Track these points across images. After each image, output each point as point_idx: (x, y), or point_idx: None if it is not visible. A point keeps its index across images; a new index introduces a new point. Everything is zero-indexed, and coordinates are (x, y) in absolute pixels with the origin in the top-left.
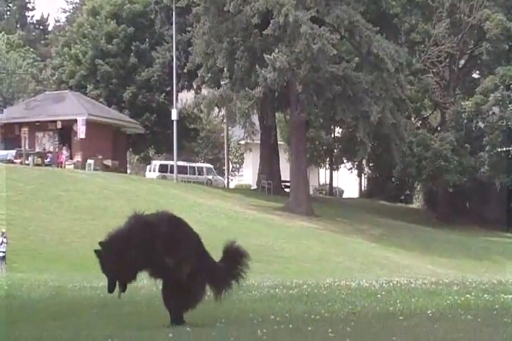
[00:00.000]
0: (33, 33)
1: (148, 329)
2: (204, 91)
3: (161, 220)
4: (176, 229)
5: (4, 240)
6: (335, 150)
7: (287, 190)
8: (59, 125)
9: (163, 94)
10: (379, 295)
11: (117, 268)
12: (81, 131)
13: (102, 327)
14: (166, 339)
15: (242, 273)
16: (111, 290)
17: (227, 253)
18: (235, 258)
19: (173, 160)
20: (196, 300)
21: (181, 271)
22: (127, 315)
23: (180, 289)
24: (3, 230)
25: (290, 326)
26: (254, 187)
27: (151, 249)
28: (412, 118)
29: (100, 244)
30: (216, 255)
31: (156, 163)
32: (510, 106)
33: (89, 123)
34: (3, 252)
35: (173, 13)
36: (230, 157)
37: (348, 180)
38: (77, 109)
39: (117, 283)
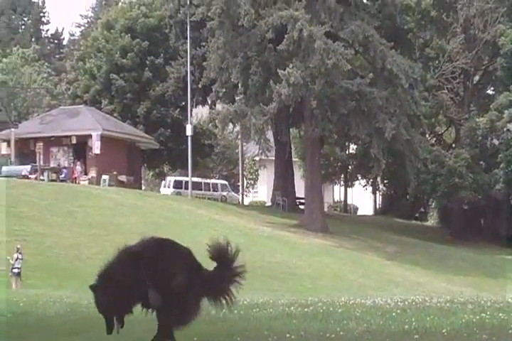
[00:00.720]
0: (48, 47)
1: None
2: (219, 106)
3: (145, 249)
4: (160, 254)
5: (19, 256)
6: (349, 167)
7: (302, 206)
8: (74, 140)
9: (178, 110)
10: (394, 314)
11: (113, 305)
12: (96, 147)
13: None
14: None
15: (239, 276)
16: (110, 330)
17: (217, 258)
18: (225, 262)
19: (187, 176)
20: (192, 315)
21: (177, 291)
22: (142, 332)
23: (174, 307)
24: (19, 246)
25: None
26: (269, 203)
27: (141, 281)
28: (427, 135)
29: (96, 280)
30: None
31: (171, 179)
32: None
33: (103, 139)
34: (18, 268)
35: (188, 27)
36: (245, 173)
37: (362, 197)
38: (92, 124)
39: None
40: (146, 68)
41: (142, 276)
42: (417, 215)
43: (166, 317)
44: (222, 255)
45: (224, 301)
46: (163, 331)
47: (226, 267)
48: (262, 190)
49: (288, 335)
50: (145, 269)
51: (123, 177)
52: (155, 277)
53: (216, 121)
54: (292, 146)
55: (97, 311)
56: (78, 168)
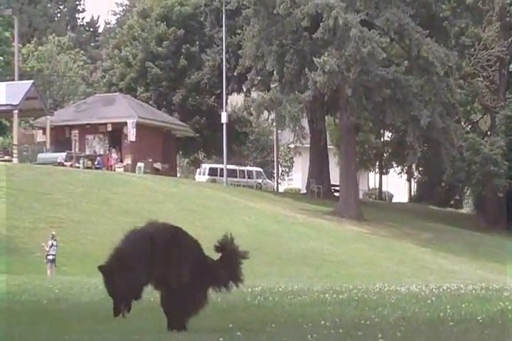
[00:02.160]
0: (84, 35)
1: (198, 333)
2: (254, 94)
3: (158, 232)
4: (172, 238)
5: (54, 243)
6: (384, 154)
7: (337, 194)
8: (109, 128)
9: (213, 97)
10: (429, 301)
11: (124, 287)
12: (131, 134)
13: (153, 331)
14: None
15: (240, 270)
16: (117, 312)
17: (223, 252)
18: (231, 256)
19: (222, 163)
20: (199, 306)
21: (181, 279)
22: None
23: (182, 296)
24: (53, 233)
25: (340, 331)
26: (304, 191)
27: (152, 261)
28: (462, 123)
29: (103, 264)
30: (264, 260)
31: (206, 167)
32: None
33: (139, 126)
34: (53, 255)
35: (223, 15)
36: (280, 161)
37: (397, 185)
38: (127, 112)
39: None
40: (182, 56)
41: (155, 258)
42: (452, 203)
43: (172, 306)
44: (226, 246)
45: (225, 288)
46: (175, 320)
47: (229, 256)
48: (297, 178)
49: (323, 322)
50: (157, 252)
51: (158, 165)
52: (166, 262)
53: (251, 108)
54: (327, 134)
55: (107, 293)
56: (113, 155)
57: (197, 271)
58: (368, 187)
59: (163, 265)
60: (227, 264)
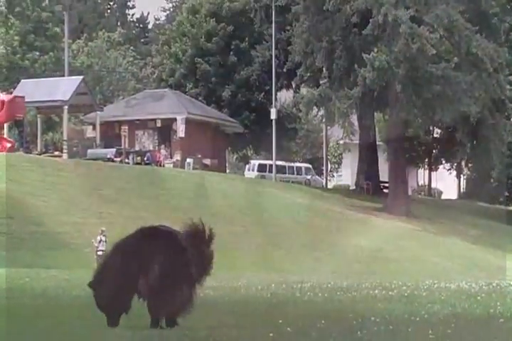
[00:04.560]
0: (133, 32)
1: (247, 329)
2: (303, 90)
3: (132, 242)
4: (145, 246)
5: (103, 238)
6: (433, 151)
7: (386, 190)
8: (158, 123)
9: (263, 93)
10: (479, 298)
11: (112, 301)
12: (180, 130)
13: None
14: (266, 338)
15: (209, 264)
16: (112, 324)
17: (194, 239)
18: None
19: (271, 159)
20: (186, 303)
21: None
22: (223, 314)
23: (166, 295)
24: (103, 228)
25: (390, 327)
26: (353, 187)
27: (136, 273)
28: None
29: (94, 277)
30: (313, 256)
31: (255, 163)
32: None
33: (188, 122)
34: (102, 250)
35: (273, 11)
36: (329, 157)
37: (446, 181)
38: (177, 108)
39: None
40: (231, 52)
41: (132, 268)
42: (501, 199)
43: (154, 306)
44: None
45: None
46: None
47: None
48: (346, 174)
49: (372, 318)
50: (133, 261)
51: (207, 161)
52: (142, 268)
53: (300, 104)
54: (376, 130)
55: (98, 308)
56: (163, 151)
57: (174, 272)
58: (417, 183)
59: (144, 276)
60: (198, 257)
